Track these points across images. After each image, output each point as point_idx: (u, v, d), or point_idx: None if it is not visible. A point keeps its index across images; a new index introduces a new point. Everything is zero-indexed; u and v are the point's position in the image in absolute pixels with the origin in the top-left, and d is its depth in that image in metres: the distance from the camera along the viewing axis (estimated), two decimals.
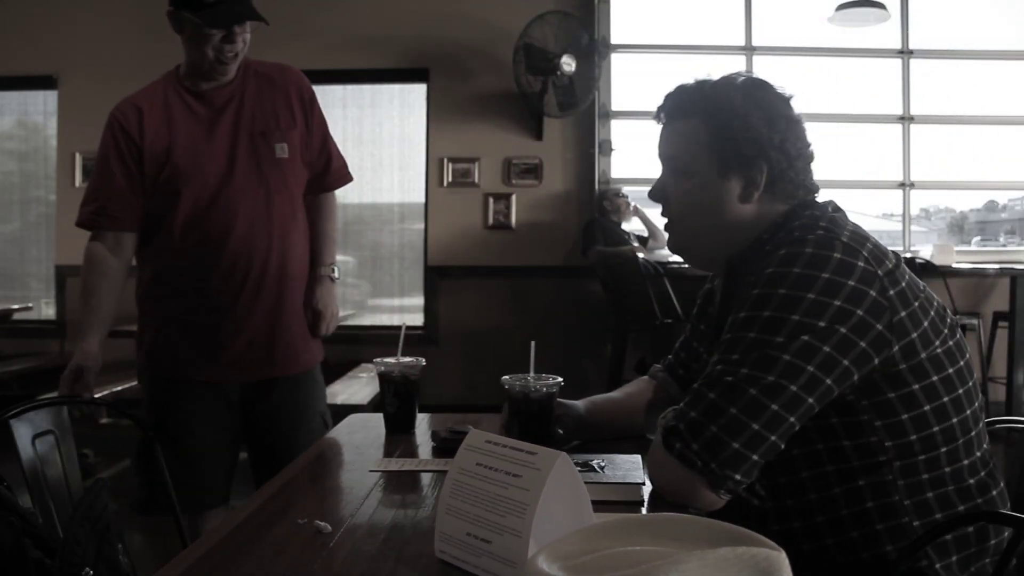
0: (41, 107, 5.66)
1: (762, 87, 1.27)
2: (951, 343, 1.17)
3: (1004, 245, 6.09)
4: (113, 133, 2.00)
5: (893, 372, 1.12)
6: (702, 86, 1.28)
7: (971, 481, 1.16)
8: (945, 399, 1.14)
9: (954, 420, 1.15)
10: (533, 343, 1.43)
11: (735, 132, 1.23)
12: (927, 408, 1.14)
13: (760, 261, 1.18)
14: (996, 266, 4.61)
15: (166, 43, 2.08)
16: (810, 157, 1.27)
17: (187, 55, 2.00)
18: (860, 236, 1.17)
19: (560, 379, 1.41)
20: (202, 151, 2.00)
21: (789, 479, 1.19)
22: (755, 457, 1.06)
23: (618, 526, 0.77)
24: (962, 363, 1.18)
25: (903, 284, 1.15)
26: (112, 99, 2.04)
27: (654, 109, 1.32)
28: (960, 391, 1.16)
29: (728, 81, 1.27)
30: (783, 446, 1.08)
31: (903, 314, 1.12)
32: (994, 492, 1.19)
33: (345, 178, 2.22)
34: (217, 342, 2.03)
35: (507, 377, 1.41)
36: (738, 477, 1.07)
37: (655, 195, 1.33)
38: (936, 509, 1.14)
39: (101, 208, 2.00)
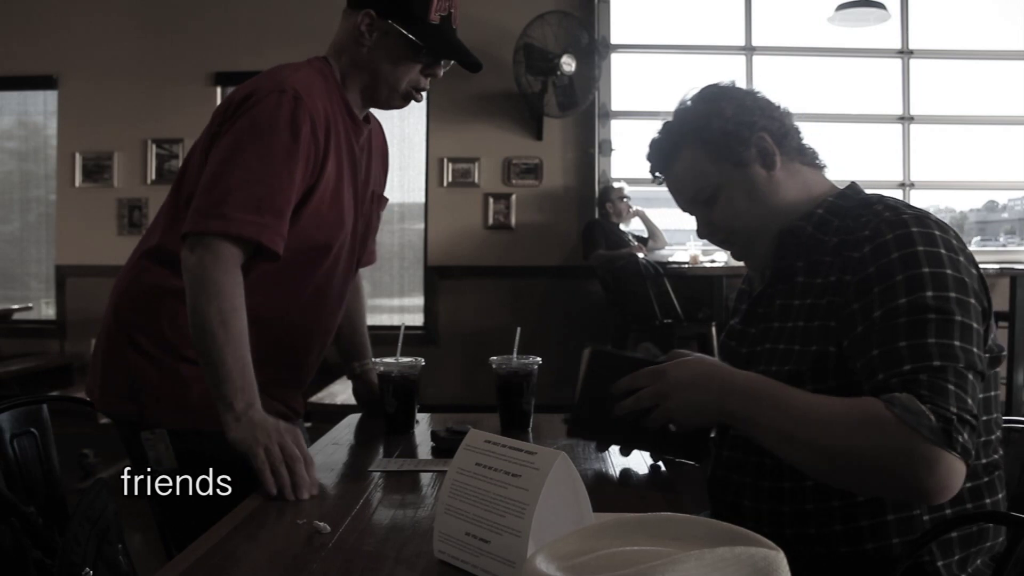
0: (41, 107, 5.64)
1: (716, 87, 1.31)
2: (995, 349, 1.20)
3: (1004, 245, 6.08)
4: (296, 122, 1.38)
5: None
6: (666, 126, 1.32)
7: (984, 479, 1.18)
8: (979, 395, 1.16)
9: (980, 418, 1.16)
10: (519, 329, 1.63)
11: (720, 130, 1.25)
12: None
13: (838, 241, 1.20)
14: (996, 266, 4.59)
15: (166, 43, 2.06)
16: (790, 116, 1.31)
17: (364, 69, 1.54)
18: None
19: (537, 359, 1.62)
20: (346, 199, 1.53)
21: None
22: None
23: (616, 526, 0.77)
24: (996, 370, 1.21)
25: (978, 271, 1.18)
26: (112, 99, 1.98)
27: (649, 111, 1.34)
28: (991, 393, 1.20)
29: (682, 104, 1.31)
30: None
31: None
32: (1000, 495, 1.21)
33: (373, 258, 1.76)
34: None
35: (494, 357, 1.65)
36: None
37: (704, 233, 1.34)
38: (947, 504, 1.14)
39: (276, 223, 1.37)
